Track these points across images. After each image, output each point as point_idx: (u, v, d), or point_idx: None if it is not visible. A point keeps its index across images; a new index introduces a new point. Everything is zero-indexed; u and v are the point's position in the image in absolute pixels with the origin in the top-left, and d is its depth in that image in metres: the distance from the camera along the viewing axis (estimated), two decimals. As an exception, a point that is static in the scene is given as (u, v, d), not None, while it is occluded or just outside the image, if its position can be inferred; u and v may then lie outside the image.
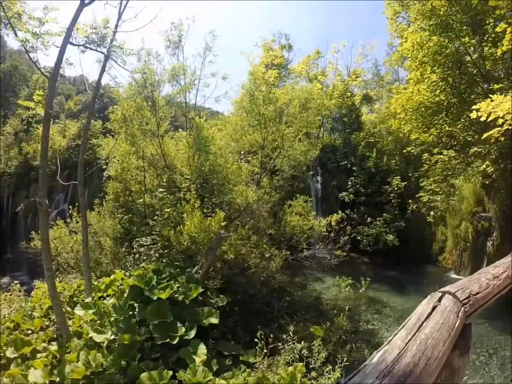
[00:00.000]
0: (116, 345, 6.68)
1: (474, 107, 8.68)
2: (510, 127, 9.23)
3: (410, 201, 17.49)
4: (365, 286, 13.22)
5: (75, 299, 9.50)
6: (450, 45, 13.24)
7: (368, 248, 18.76)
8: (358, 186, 20.21)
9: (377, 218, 19.23)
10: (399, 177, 19.34)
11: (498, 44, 11.14)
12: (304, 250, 14.10)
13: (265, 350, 6.94)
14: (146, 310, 7.32)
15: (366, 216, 19.59)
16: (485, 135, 10.16)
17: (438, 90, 13.69)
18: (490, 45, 12.29)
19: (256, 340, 6.87)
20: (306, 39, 52.52)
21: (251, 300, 11.67)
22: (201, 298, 8.63)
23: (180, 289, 8.06)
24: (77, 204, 13.04)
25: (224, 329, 9.01)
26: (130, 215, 13.77)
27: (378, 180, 20.46)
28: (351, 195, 20.12)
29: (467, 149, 14.02)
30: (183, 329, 7.04)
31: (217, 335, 8.45)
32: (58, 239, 13.72)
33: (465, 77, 13.74)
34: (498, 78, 13.05)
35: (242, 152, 15.30)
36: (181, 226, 10.42)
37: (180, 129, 17.85)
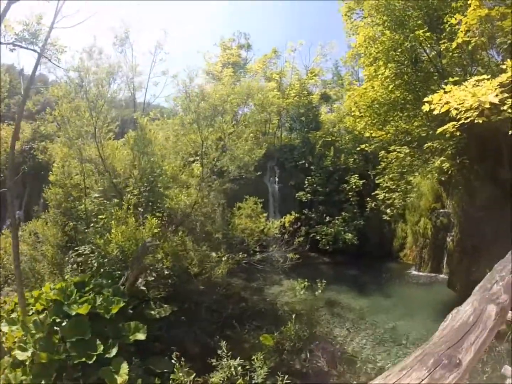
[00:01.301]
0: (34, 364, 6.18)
1: (426, 99, 7.96)
2: (466, 121, 8.62)
3: (368, 199, 16.94)
4: (321, 289, 12.53)
5: (13, 314, 8.56)
6: (405, 41, 12.66)
7: (328, 247, 17.89)
8: (315, 185, 19.38)
9: (336, 217, 18.44)
10: (357, 175, 18.68)
11: (454, 38, 10.63)
12: (257, 253, 13.29)
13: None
14: (65, 327, 6.70)
15: (324, 215, 18.82)
16: (439, 130, 9.47)
17: (391, 86, 13.09)
18: (447, 41, 11.78)
19: (205, 351, 6.66)
20: (271, 40, 51.59)
21: (198, 308, 10.82)
22: (132, 311, 7.83)
23: (103, 303, 7.23)
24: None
25: (169, 341, 8.35)
26: (73, 222, 12.73)
27: (336, 178, 19.71)
28: (308, 195, 19.23)
29: (422, 145, 13.50)
30: (102, 347, 6.37)
31: (158, 349, 7.84)
32: (3, 249, 12.66)
33: (421, 74, 13.21)
34: (454, 75, 12.56)
35: (192, 153, 14.37)
36: (108, 234, 9.48)
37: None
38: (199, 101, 11.56)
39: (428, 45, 13.00)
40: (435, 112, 7.84)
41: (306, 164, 20.12)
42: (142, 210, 11.46)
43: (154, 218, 9.89)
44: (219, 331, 9.95)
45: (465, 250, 13.17)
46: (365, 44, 13.24)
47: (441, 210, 15.54)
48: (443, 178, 14.88)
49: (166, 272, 10.21)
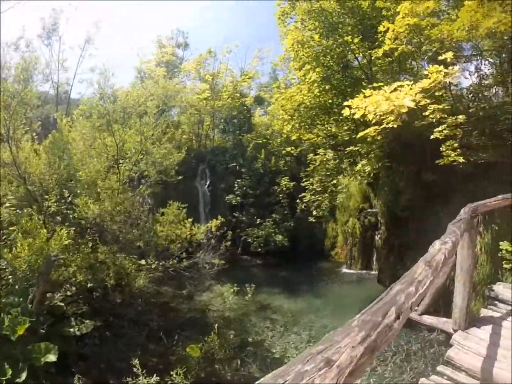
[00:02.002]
0: None
1: (346, 103, 7.49)
2: (387, 126, 8.26)
3: (298, 200, 16.53)
4: (250, 293, 11.81)
5: None
6: (336, 47, 12.29)
7: (259, 249, 17.32)
8: (245, 188, 18.74)
9: (267, 219, 17.96)
10: (288, 177, 18.27)
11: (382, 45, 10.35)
12: (184, 259, 12.44)
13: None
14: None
15: (255, 217, 18.25)
16: (360, 134, 9.20)
17: (317, 90, 12.69)
18: (378, 48, 11.54)
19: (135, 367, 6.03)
20: (212, 40, 50.14)
21: (123, 322, 9.80)
22: (46, 330, 7.11)
23: (10, 324, 6.45)
24: None
25: (95, 359, 7.74)
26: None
27: (267, 181, 19.18)
28: (238, 198, 18.58)
29: (346, 148, 13.33)
30: (11, 371, 5.76)
31: (83, 368, 7.14)
32: None
33: (350, 80, 12.92)
34: (383, 81, 12.39)
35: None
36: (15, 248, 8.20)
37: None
38: (111, 102, 10.37)
39: (360, 52, 12.75)
40: (356, 116, 7.40)
41: (237, 166, 19.43)
42: (60, 219, 10.31)
43: (64, 229, 8.67)
44: (142, 345, 9.16)
45: (391, 247, 13.43)
46: (294, 48, 12.71)
47: (369, 210, 15.58)
48: (366, 181, 14.87)
49: (89, 285, 9.25)
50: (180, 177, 13.81)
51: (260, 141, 19.01)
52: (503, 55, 12.03)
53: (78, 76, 22.64)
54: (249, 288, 11.94)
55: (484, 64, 14.33)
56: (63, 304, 8.38)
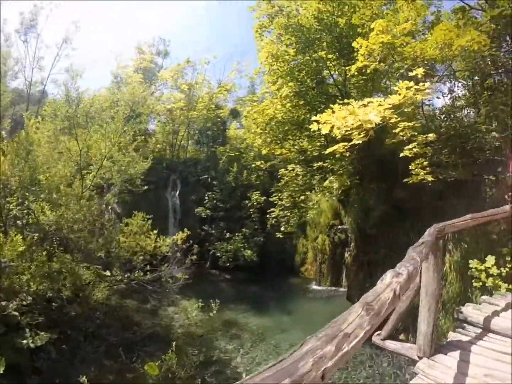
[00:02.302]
0: None
1: (313, 118, 7.15)
2: (356, 142, 7.99)
3: (267, 216, 16.09)
4: (215, 309, 11.12)
5: None
6: (311, 62, 12.12)
7: (228, 264, 16.80)
8: (215, 201, 18.26)
9: (236, 233, 17.46)
10: (259, 192, 17.86)
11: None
12: (148, 272, 11.86)
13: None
14: None
15: (225, 231, 17.75)
16: (328, 150, 8.91)
17: (289, 105, 12.47)
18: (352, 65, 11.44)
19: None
20: (194, 51, 49.28)
21: (79, 335, 9.35)
22: None
23: None
24: None
25: (51, 374, 7.62)
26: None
27: (238, 195, 18.74)
28: (208, 211, 18.07)
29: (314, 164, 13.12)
30: None
31: (35, 382, 7.14)
32: None
33: (325, 96, 12.77)
34: (356, 98, 12.28)
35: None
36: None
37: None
38: (75, 105, 9.85)
39: (336, 70, 12.64)
40: (323, 132, 7.08)
41: (209, 179, 18.95)
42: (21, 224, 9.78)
43: (19, 235, 8.14)
44: (100, 360, 8.88)
45: (361, 264, 13.15)
46: (268, 61, 12.49)
47: (339, 227, 15.27)
48: (336, 197, 14.68)
49: (48, 295, 8.74)
50: (145, 187, 13.31)
51: (233, 154, 18.58)
52: (476, 77, 12.15)
53: (53, 75, 21.54)
54: (213, 304, 11.42)
55: (457, 86, 14.54)
56: (17, 313, 7.86)
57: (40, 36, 22.15)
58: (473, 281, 6.89)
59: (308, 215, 16.41)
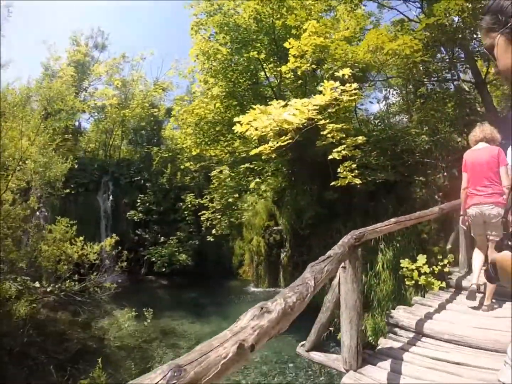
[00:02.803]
0: None
1: (236, 119, 6.73)
2: (284, 143, 7.70)
3: (202, 218, 15.48)
4: (149, 318, 10.83)
5: None
6: (245, 63, 11.72)
7: (164, 269, 15.98)
8: (148, 204, 17.41)
9: (171, 237, 16.72)
10: (194, 194, 17.12)
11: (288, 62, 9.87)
12: (75, 282, 10.92)
13: None
14: None
15: (159, 235, 16.99)
16: (252, 151, 8.55)
17: (220, 105, 12.02)
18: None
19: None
20: (133, 46, 46.59)
21: (3, 355, 8.26)
22: None
23: None
24: None
25: None
26: None
27: (172, 197, 17.98)
28: (141, 214, 17.19)
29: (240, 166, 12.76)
30: None
31: None
32: None
33: (258, 98, 12.42)
34: (288, 98, 12.08)
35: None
36: None
37: None
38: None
39: (272, 71, 12.33)
40: (247, 134, 6.71)
41: (142, 180, 17.98)
42: None
43: None
44: (26, 381, 8.10)
45: (296, 265, 13.23)
46: (199, 59, 11.95)
47: (275, 228, 15.05)
48: (270, 199, 14.52)
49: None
50: (67, 190, 12.16)
51: (167, 155, 17.72)
52: (410, 86, 12.45)
53: None
54: (147, 313, 10.92)
55: (392, 94, 15.00)
56: None
57: None
58: (405, 279, 6.92)
59: (243, 216, 16.12)
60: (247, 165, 11.94)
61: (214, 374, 1.15)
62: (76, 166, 17.04)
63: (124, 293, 14.42)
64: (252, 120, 5.77)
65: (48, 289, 10.41)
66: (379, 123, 12.91)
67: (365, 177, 9.71)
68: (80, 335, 11.35)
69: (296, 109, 6.21)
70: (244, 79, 11.78)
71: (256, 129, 6.02)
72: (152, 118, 19.39)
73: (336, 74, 6.82)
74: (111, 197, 17.65)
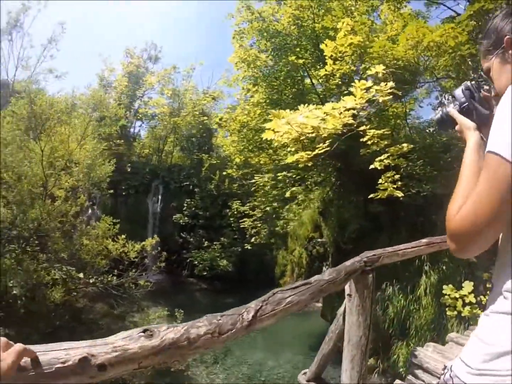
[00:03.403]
0: None
1: (266, 125, 6.16)
2: (321, 151, 7.05)
3: (242, 226, 15.06)
4: (180, 319, 10.52)
5: None
6: (287, 68, 11.29)
7: (205, 273, 15.86)
8: (194, 208, 17.39)
9: (214, 242, 16.58)
10: (240, 201, 16.75)
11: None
12: (114, 277, 11.12)
13: None
14: None
15: (203, 239, 16.86)
16: (288, 159, 7.81)
17: (260, 111, 11.61)
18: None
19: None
20: (186, 57, 47.78)
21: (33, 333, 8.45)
22: None
23: None
24: None
25: None
26: None
27: (219, 203, 17.89)
28: (186, 218, 17.19)
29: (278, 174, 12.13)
30: None
31: None
32: None
33: (302, 104, 11.89)
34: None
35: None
36: None
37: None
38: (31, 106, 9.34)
39: (314, 75, 11.75)
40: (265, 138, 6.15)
41: (191, 186, 18.03)
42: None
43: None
44: None
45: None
46: (238, 66, 11.71)
47: (318, 240, 14.24)
48: (317, 209, 13.73)
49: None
50: (110, 191, 12.49)
51: (215, 162, 17.67)
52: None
53: (37, 75, 20.82)
54: (178, 313, 10.79)
55: (447, 99, 13.71)
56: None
57: (25, 36, 21.49)
58: (447, 309, 5.91)
59: (289, 226, 15.55)
60: (284, 173, 11.36)
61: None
62: (129, 170, 17.85)
63: (163, 293, 14.51)
64: (274, 126, 5.22)
65: (91, 281, 10.86)
66: (434, 131, 11.79)
67: (409, 189, 8.76)
68: (112, 326, 11.52)
69: (325, 113, 5.57)
70: (288, 86, 11.29)
71: (280, 136, 5.43)
72: (201, 126, 19.54)
73: (369, 72, 6.01)
74: (160, 200, 17.93)
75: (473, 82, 1.32)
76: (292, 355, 10.60)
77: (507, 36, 1.07)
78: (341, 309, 3.19)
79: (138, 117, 20.78)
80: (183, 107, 20.30)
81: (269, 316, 1.74)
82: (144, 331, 1.21)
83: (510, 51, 1.08)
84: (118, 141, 17.21)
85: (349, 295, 2.91)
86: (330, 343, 3.40)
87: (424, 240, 3.89)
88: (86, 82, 44.11)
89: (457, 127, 1.29)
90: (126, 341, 1.17)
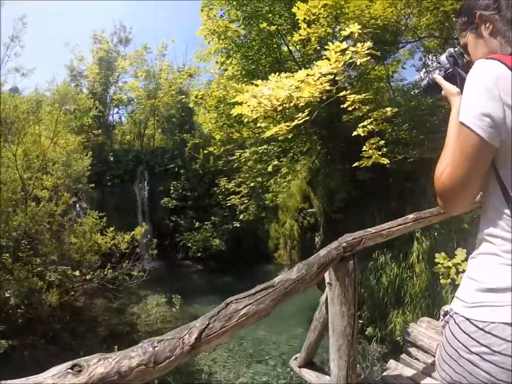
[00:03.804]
0: None
1: (235, 99, 5.58)
2: (300, 122, 6.57)
3: (229, 204, 14.68)
4: (178, 305, 10.90)
5: None
6: (260, 36, 10.58)
7: (199, 254, 15.62)
8: (181, 190, 16.93)
9: (205, 222, 16.25)
10: (227, 178, 15.98)
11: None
12: (107, 271, 10.89)
13: None
14: None
15: (194, 220, 16.52)
16: (267, 133, 7.33)
17: (235, 84, 11.02)
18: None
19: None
20: (158, 36, 45.20)
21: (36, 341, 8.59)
22: None
23: None
24: None
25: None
26: None
27: (206, 182, 17.43)
28: (174, 201, 16.77)
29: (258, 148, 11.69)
30: None
31: None
32: None
33: (282, 71, 11.26)
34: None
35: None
36: None
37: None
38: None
39: (291, 42, 11.06)
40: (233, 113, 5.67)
41: (176, 168, 17.51)
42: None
43: None
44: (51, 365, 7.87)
45: None
46: (207, 39, 11.01)
47: (308, 210, 13.98)
48: (304, 180, 13.38)
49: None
50: (92, 185, 12.10)
51: (198, 141, 17.09)
52: (446, 47, 10.72)
53: (3, 76, 19.72)
54: (175, 299, 10.98)
55: (431, 60, 13.12)
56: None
57: None
58: (440, 276, 5.66)
59: (278, 199, 15.23)
60: (265, 146, 10.92)
61: None
62: (112, 159, 17.29)
63: (160, 279, 14.33)
64: (242, 99, 4.74)
65: (87, 277, 10.68)
66: (418, 93, 11.24)
67: (395, 155, 8.39)
68: (113, 320, 11.56)
69: (299, 81, 5.11)
70: (264, 55, 10.64)
71: (250, 110, 4.95)
72: (179, 106, 18.80)
73: (343, 33, 5.49)
74: (146, 186, 17.48)
75: (456, 49, 1.34)
76: (292, 327, 10.49)
77: (478, 12, 1.13)
78: (323, 296, 2.90)
79: (115, 104, 19.92)
80: (160, 88, 19.47)
81: (218, 335, 1.45)
82: (72, 367, 1.10)
83: (482, 26, 1.14)
84: (96, 131, 16.51)
85: (329, 283, 2.60)
86: (316, 331, 3.14)
87: (411, 216, 3.48)
88: (57, 75, 42.37)
89: (442, 93, 1.34)
90: (55, 379, 1.08)
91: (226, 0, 10.34)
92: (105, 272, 10.78)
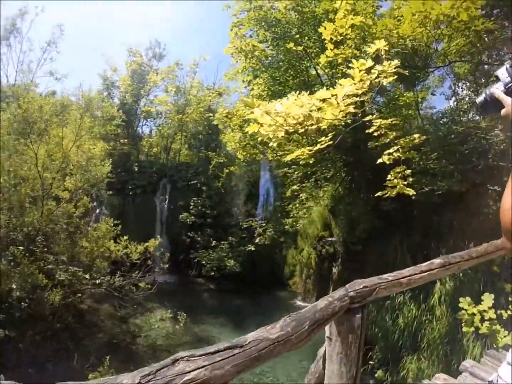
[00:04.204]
0: None
1: (248, 116, 5.22)
2: (323, 146, 6.21)
3: (245, 226, 14.21)
4: (182, 322, 10.61)
5: None
6: (288, 58, 10.45)
7: (213, 273, 15.13)
8: (201, 207, 16.62)
9: (222, 242, 15.78)
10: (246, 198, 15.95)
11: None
12: (116, 278, 10.69)
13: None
14: None
15: (211, 239, 16.08)
16: (288, 157, 6.98)
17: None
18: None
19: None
20: (192, 53, 45.82)
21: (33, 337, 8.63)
22: None
23: None
24: None
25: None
26: None
27: (227, 201, 17.15)
28: (193, 217, 16.43)
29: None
30: None
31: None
32: None
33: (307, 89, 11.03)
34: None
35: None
36: None
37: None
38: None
39: (316, 61, 10.87)
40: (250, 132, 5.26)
41: (199, 184, 17.27)
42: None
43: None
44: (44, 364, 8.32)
45: (345, 283, 11.22)
46: (235, 58, 10.90)
47: (328, 239, 13.32)
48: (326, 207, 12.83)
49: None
50: (110, 192, 12.07)
51: (222, 160, 16.87)
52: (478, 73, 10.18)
53: (38, 78, 20.55)
54: (180, 317, 10.68)
55: (461, 88, 12.57)
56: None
57: (24, 40, 21.09)
58: (462, 323, 4.98)
59: (298, 224, 14.71)
60: (285, 169, 10.53)
61: None
62: (136, 169, 17.37)
63: (170, 293, 13.95)
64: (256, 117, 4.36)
65: (97, 281, 10.68)
66: (447, 121, 10.63)
67: (422, 185, 7.80)
68: (115, 329, 11.33)
69: (321, 100, 4.68)
70: (291, 77, 10.42)
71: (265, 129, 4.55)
72: (206, 123, 18.77)
73: (369, 50, 5.08)
74: (167, 199, 17.33)
75: None
76: (298, 359, 9.81)
77: None
78: (321, 350, 2.39)
79: (143, 116, 20.22)
80: (189, 104, 19.56)
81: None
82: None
83: None
84: (123, 140, 16.69)
85: (329, 338, 2.12)
86: (318, 369, 2.61)
87: (437, 261, 2.92)
88: (84, 81, 43.81)
89: (503, 110, 1.17)
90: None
91: (256, 21, 10.26)
92: (114, 279, 10.66)
